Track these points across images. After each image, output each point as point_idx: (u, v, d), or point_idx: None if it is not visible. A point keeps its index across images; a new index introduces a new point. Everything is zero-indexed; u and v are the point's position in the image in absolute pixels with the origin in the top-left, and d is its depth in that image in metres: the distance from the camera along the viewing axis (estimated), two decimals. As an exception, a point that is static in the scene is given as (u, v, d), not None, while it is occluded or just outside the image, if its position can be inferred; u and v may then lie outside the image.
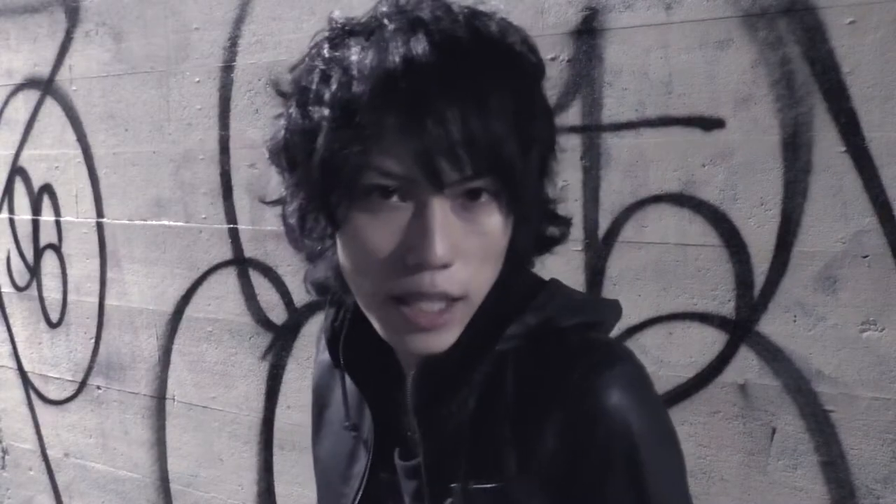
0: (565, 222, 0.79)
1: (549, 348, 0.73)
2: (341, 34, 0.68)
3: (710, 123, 1.61)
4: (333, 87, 0.65)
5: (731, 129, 1.60)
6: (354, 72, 0.64)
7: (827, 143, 1.51)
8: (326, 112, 0.65)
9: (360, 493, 0.83)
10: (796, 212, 1.56)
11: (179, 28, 2.35)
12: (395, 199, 0.66)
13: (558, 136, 0.75)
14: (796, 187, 1.55)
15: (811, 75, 1.52)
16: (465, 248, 0.67)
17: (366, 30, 0.67)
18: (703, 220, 1.64)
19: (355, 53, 0.65)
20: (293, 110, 0.69)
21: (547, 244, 0.78)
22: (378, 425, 0.82)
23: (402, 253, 0.66)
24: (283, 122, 0.70)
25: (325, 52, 0.68)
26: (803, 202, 1.55)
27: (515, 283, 0.75)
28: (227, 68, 2.26)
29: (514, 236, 0.71)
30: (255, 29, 2.20)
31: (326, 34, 0.70)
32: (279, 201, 0.76)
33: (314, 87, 0.67)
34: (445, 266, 0.66)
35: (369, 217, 0.66)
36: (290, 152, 0.70)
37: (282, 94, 0.72)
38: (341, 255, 0.71)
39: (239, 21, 2.23)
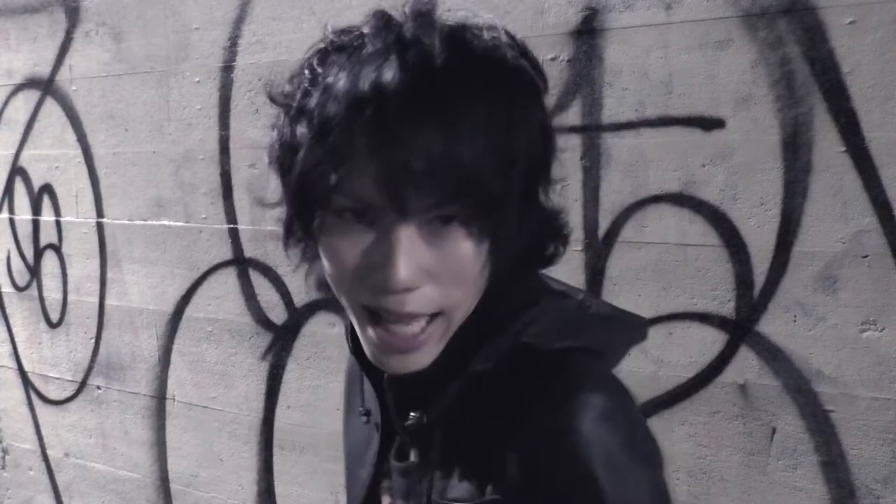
0: (563, 239, 0.77)
1: (524, 372, 0.72)
2: (329, 50, 0.69)
3: (710, 123, 1.61)
4: (312, 104, 0.66)
5: (731, 129, 1.60)
6: (331, 92, 0.65)
7: (827, 143, 1.51)
8: (306, 129, 0.66)
9: (371, 477, 0.84)
10: (796, 212, 1.56)
11: (179, 28, 2.35)
12: (366, 220, 0.67)
13: (557, 150, 0.73)
14: (796, 187, 1.55)
15: (811, 75, 1.52)
16: (435, 272, 0.67)
17: (349, 47, 0.67)
18: (703, 220, 1.64)
19: (333, 74, 0.66)
20: (283, 122, 0.70)
21: (543, 259, 0.77)
22: (386, 411, 0.82)
23: (370, 273, 0.67)
24: (275, 132, 0.72)
25: (311, 68, 0.69)
26: (803, 202, 1.55)
27: (508, 297, 0.74)
28: (227, 68, 2.27)
29: (493, 257, 0.70)
30: (255, 29, 2.20)
31: (320, 46, 0.71)
32: (278, 204, 0.76)
33: (297, 102, 0.68)
34: (409, 290, 0.66)
35: (340, 236, 0.68)
36: (280, 162, 0.71)
37: (276, 102, 0.73)
38: (324, 263, 0.72)
39: (239, 21, 2.23)
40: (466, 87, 0.64)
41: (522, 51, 0.70)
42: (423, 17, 0.67)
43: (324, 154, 0.64)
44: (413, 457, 0.76)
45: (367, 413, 0.86)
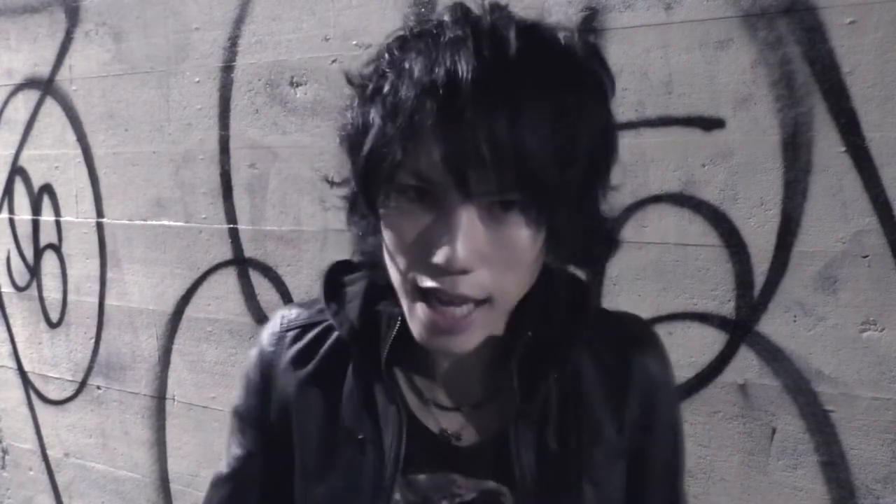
0: (614, 244, 0.81)
1: (613, 330, 0.87)
2: (408, 37, 0.71)
3: (710, 123, 1.61)
4: (386, 88, 0.68)
5: (731, 129, 1.60)
6: (405, 76, 0.67)
7: (827, 143, 1.51)
8: (378, 111, 0.69)
9: (377, 498, 0.82)
10: (796, 212, 1.56)
11: (179, 28, 2.35)
12: (427, 200, 0.68)
13: (618, 155, 0.76)
14: (796, 187, 1.55)
15: (811, 75, 1.52)
16: (490, 256, 0.69)
17: (428, 34, 0.69)
18: (703, 220, 1.64)
19: (410, 59, 0.68)
20: (356, 104, 0.73)
21: (590, 261, 0.82)
22: (405, 427, 0.83)
23: (428, 252, 0.68)
24: (349, 113, 0.74)
25: (389, 53, 0.71)
26: (803, 202, 1.55)
27: (562, 281, 0.84)
28: (227, 68, 2.27)
29: (548, 249, 0.73)
30: (255, 29, 2.20)
31: (399, 33, 0.73)
32: (344, 182, 0.80)
33: (373, 85, 0.71)
34: (465, 271, 0.68)
35: (403, 214, 0.70)
36: (350, 142, 0.74)
37: (352, 84, 0.75)
38: (383, 239, 0.75)
39: (239, 21, 2.23)
40: (538, 80, 0.66)
41: (594, 52, 0.72)
42: (500, 10, 0.70)
43: (394, 132, 0.66)
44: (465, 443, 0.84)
45: (363, 439, 0.83)
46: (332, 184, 0.81)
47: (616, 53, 1.69)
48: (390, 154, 0.67)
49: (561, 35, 0.71)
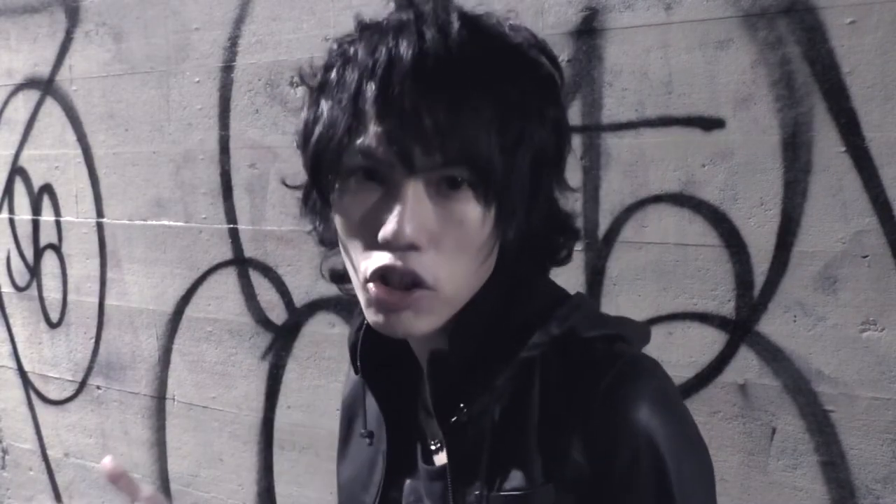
0: (573, 234, 0.79)
1: (575, 358, 0.73)
2: (358, 32, 0.73)
3: (710, 123, 1.61)
4: (333, 76, 0.70)
5: (731, 129, 1.60)
6: (350, 63, 0.69)
7: (827, 143, 1.52)
8: (326, 101, 0.71)
9: (378, 499, 0.83)
10: (796, 212, 1.56)
11: (179, 28, 2.35)
12: (375, 180, 0.69)
13: (570, 147, 0.76)
14: (796, 187, 1.55)
15: (811, 75, 1.52)
16: (438, 235, 0.69)
17: (374, 27, 0.71)
18: (703, 220, 1.64)
19: (356, 48, 0.70)
20: (308, 99, 0.74)
21: (552, 255, 0.79)
22: (394, 431, 0.83)
23: (375, 229, 0.69)
24: (302, 113, 0.75)
25: (339, 47, 0.73)
26: (803, 202, 1.55)
27: (537, 291, 0.78)
28: (227, 68, 2.27)
29: (501, 235, 0.73)
30: (255, 29, 2.20)
31: (349, 34, 0.74)
32: (301, 186, 0.80)
33: (320, 78, 0.73)
34: (413, 247, 0.68)
35: (352, 197, 0.70)
36: (302, 138, 0.75)
37: (305, 83, 0.77)
38: (337, 232, 0.75)
39: (239, 21, 2.23)
40: (479, 63, 0.68)
41: (542, 48, 0.73)
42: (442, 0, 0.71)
43: (340, 115, 0.68)
44: (447, 457, 0.76)
45: (370, 435, 0.86)
46: (290, 187, 0.81)
47: (616, 53, 1.69)
48: (336, 136, 0.68)
49: (507, 26, 0.72)
